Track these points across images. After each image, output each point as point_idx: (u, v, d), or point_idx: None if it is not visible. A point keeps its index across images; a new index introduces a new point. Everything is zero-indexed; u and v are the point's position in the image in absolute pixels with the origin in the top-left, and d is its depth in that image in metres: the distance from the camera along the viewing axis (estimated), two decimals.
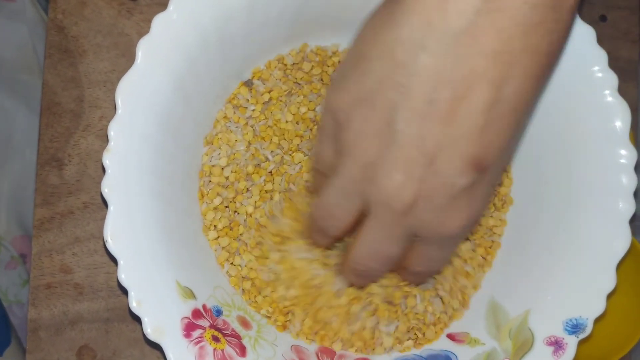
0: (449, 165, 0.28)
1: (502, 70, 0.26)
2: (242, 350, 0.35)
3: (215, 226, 0.39)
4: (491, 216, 0.41)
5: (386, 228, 0.30)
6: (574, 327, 0.36)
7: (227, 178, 0.40)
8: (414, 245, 0.31)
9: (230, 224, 0.39)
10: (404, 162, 0.28)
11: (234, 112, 0.40)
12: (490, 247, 0.41)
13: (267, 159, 0.40)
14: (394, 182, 0.28)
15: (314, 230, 0.35)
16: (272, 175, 0.40)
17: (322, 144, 0.32)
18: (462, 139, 0.27)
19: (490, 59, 0.26)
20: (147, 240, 0.35)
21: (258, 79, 0.41)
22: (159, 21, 0.35)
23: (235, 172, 0.40)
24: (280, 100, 0.41)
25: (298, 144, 0.40)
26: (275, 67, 0.41)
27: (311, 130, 0.41)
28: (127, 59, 0.43)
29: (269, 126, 0.41)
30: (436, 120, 0.27)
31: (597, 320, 0.36)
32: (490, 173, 0.29)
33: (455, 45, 0.26)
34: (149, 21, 0.35)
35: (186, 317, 0.34)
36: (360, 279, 0.35)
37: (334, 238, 0.34)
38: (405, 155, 0.28)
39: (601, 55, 0.37)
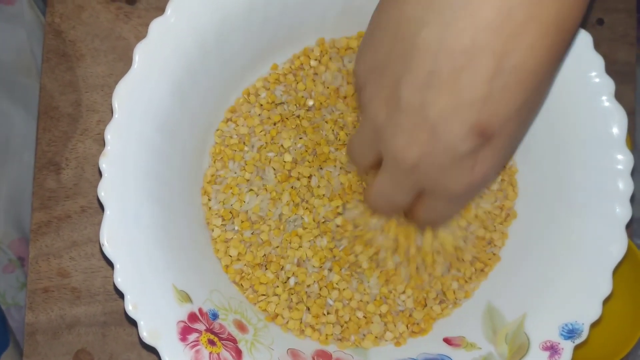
0: (451, 131, 0.29)
1: (505, 42, 0.27)
2: (238, 354, 0.35)
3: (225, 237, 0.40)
4: (494, 230, 0.41)
5: (394, 179, 0.32)
6: (570, 332, 0.36)
7: (232, 184, 0.40)
8: (422, 195, 0.33)
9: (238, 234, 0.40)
10: (408, 127, 0.30)
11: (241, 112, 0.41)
12: (489, 260, 0.41)
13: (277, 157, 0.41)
14: (399, 144, 0.30)
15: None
16: (281, 182, 0.40)
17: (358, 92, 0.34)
18: (465, 106, 0.28)
19: (491, 31, 0.27)
20: (144, 244, 0.35)
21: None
22: (157, 25, 0.35)
23: (241, 177, 0.40)
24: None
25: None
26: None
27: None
28: (125, 63, 0.44)
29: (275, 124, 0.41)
30: (437, 89, 0.28)
31: (594, 325, 0.36)
32: (497, 143, 0.30)
33: (456, 20, 0.27)
34: (147, 25, 0.35)
35: (182, 321, 0.34)
36: (376, 212, 0.38)
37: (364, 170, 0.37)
38: (409, 121, 0.29)
39: (598, 61, 0.37)
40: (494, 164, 0.31)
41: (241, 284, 0.39)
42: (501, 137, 0.29)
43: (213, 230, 0.40)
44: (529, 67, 0.28)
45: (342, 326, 0.39)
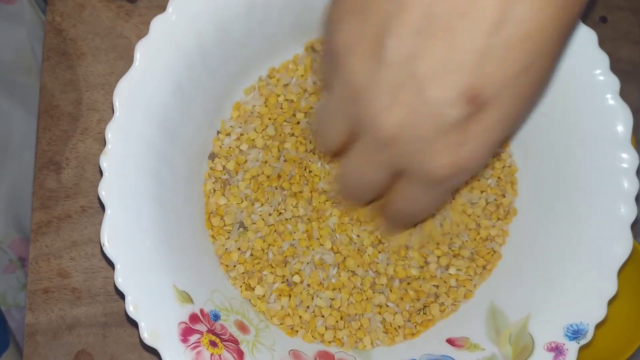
0: (440, 93, 0.25)
1: None
2: (240, 355, 0.35)
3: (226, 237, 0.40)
4: (493, 226, 0.40)
5: (369, 154, 0.28)
6: (575, 333, 0.36)
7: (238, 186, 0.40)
8: (398, 179, 0.30)
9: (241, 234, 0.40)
10: (390, 84, 0.26)
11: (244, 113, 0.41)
12: (489, 255, 0.40)
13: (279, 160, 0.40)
14: (379, 106, 0.26)
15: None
16: (284, 179, 0.40)
17: (323, 61, 0.30)
18: (457, 62, 0.25)
19: None
20: (145, 243, 0.35)
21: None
22: (158, 23, 0.35)
23: (246, 179, 0.40)
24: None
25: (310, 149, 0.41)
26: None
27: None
28: (126, 61, 0.43)
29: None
30: (431, 37, 0.25)
31: (598, 326, 0.36)
32: (489, 113, 0.26)
33: None
34: (148, 24, 0.35)
35: (183, 322, 0.34)
36: (348, 198, 0.34)
37: (328, 153, 0.33)
38: (393, 76, 0.26)
39: (602, 59, 0.36)
40: (482, 144, 0.27)
41: (241, 285, 0.39)
42: (494, 109, 0.26)
43: (212, 230, 0.40)
44: (535, 22, 0.24)
45: (342, 326, 0.39)
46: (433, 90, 0.25)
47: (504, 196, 0.41)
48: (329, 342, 0.39)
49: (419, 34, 0.25)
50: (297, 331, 0.39)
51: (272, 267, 0.39)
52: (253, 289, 0.39)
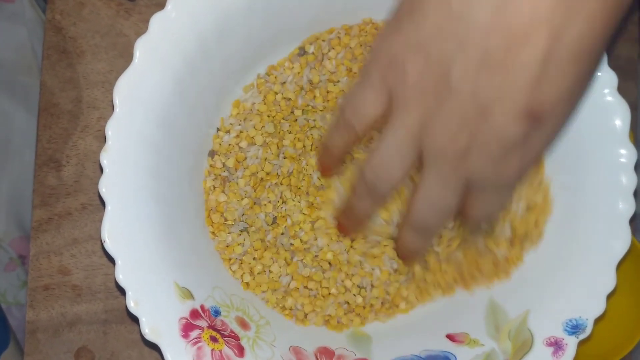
0: (502, 117, 0.28)
1: (564, 15, 0.26)
2: (241, 351, 0.35)
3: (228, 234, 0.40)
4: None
5: (443, 177, 0.30)
6: (574, 328, 0.36)
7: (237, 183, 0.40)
8: (470, 192, 0.32)
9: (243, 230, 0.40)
10: (458, 115, 0.28)
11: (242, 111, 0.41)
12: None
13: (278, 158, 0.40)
14: (449, 132, 0.29)
15: (356, 200, 0.35)
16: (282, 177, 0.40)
17: (364, 90, 0.32)
18: (516, 89, 0.27)
19: (550, 2, 0.26)
20: (145, 240, 0.35)
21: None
22: (157, 20, 0.35)
23: (246, 176, 0.40)
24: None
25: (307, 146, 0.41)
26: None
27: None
28: (126, 59, 0.43)
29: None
30: (490, 70, 0.27)
31: (597, 321, 0.36)
32: (547, 124, 0.28)
33: None
34: (147, 22, 0.35)
35: (184, 318, 0.34)
36: (419, 239, 0.35)
37: (381, 199, 0.34)
38: (460, 108, 0.28)
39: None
40: (543, 146, 0.30)
41: (241, 277, 0.39)
42: (552, 119, 0.28)
43: (212, 226, 0.40)
44: (585, 44, 0.27)
45: (344, 311, 0.40)
46: (495, 115, 0.28)
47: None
48: (331, 324, 0.40)
49: (480, 69, 0.27)
50: (301, 319, 0.39)
51: (273, 260, 0.40)
52: (254, 282, 0.39)
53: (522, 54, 0.26)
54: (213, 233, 0.40)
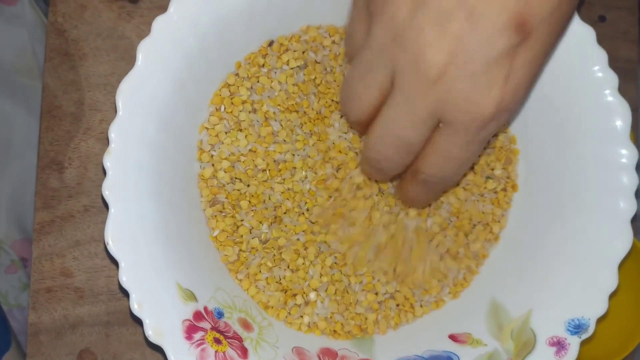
0: (489, 21, 0.25)
1: None
2: (244, 352, 0.35)
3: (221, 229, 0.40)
4: (492, 214, 0.41)
5: (409, 102, 0.27)
6: (577, 327, 0.36)
7: (230, 179, 0.40)
8: (433, 137, 0.28)
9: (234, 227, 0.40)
10: (439, 13, 0.25)
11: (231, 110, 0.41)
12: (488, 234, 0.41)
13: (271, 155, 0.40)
14: (426, 39, 0.26)
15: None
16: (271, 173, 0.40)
17: (353, 22, 0.30)
18: None
19: None
20: (148, 242, 0.35)
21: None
22: (159, 23, 0.35)
23: (236, 173, 0.40)
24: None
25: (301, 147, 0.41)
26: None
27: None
28: (127, 61, 0.44)
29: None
30: None
31: (599, 321, 0.36)
32: (533, 42, 0.26)
33: None
34: (149, 24, 0.35)
35: (187, 320, 0.34)
36: (375, 171, 0.32)
37: (357, 124, 0.30)
38: (442, 5, 0.25)
39: (601, 55, 0.37)
40: (524, 78, 0.27)
41: (241, 280, 0.39)
42: (535, 41, 0.26)
43: (213, 229, 0.40)
44: None
45: (344, 317, 0.40)
46: (482, 18, 0.25)
47: (505, 190, 0.41)
48: (333, 333, 0.40)
49: None
50: (301, 325, 0.39)
51: (275, 263, 0.40)
52: (256, 287, 0.39)
53: None
54: (219, 247, 0.40)
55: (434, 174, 0.30)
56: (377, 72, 0.27)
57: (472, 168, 0.41)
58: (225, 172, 0.39)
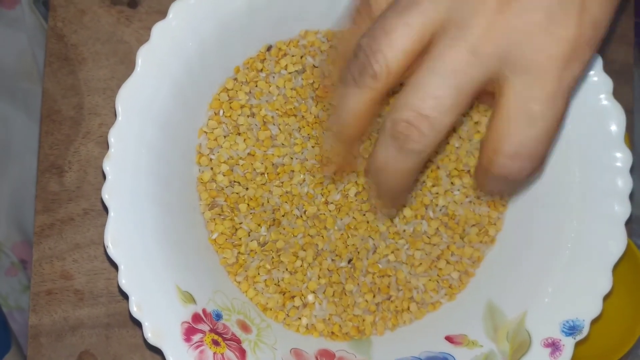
0: None
1: None
2: (242, 354, 0.36)
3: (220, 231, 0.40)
4: (486, 214, 0.41)
5: (468, 38, 0.21)
6: (571, 329, 0.36)
7: (229, 181, 0.40)
8: (502, 99, 0.22)
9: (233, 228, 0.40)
10: None
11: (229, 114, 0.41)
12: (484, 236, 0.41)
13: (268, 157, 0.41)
14: None
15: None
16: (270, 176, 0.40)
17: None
18: None
19: None
20: (148, 245, 0.35)
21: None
22: (159, 29, 0.36)
23: (233, 174, 0.40)
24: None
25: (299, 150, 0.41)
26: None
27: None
28: (126, 66, 0.44)
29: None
30: None
31: (594, 322, 0.36)
32: (590, 11, 0.22)
33: None
34: (148, 29, 0.36)
35: (186, 322, 0.35)
36: (398, 156, 0.24)
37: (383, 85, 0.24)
38: None
39: (596, 60, 0.37)
40: (602, 8, 0.22)
41: (240, 282, 0.40)
42: (594, 3, 0.22)
43: (212, 232, 0.40)
44: None
45: (341, 319, 0.40)
46: None
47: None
48: (331, 335, 0.40)
49: None
50: (299, 327, 0.39)
51: (273, 265, 0.40)
52: (255, 289, 0.40)
53: None
54: (218, 250, 0.40)
55: (517, 152, 0.24)
56: (424, 5, 0.22)
57: (468, 171, 0.42)
58: (224, 175, 0.40)
